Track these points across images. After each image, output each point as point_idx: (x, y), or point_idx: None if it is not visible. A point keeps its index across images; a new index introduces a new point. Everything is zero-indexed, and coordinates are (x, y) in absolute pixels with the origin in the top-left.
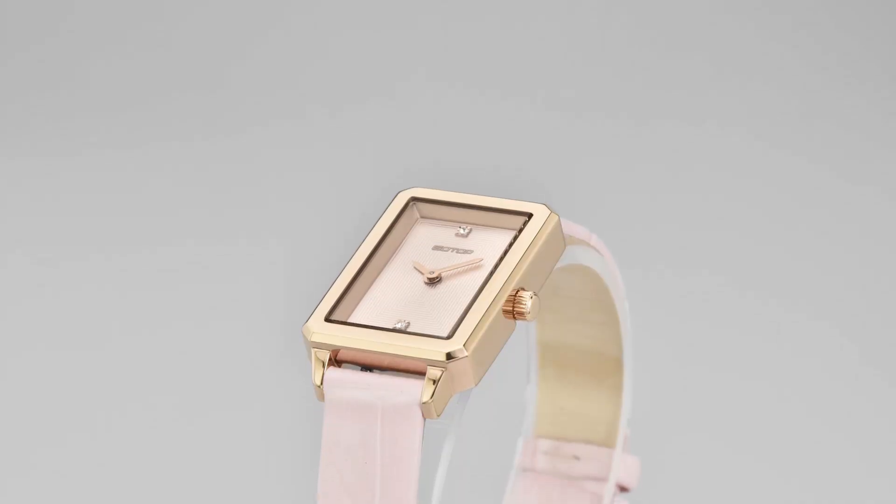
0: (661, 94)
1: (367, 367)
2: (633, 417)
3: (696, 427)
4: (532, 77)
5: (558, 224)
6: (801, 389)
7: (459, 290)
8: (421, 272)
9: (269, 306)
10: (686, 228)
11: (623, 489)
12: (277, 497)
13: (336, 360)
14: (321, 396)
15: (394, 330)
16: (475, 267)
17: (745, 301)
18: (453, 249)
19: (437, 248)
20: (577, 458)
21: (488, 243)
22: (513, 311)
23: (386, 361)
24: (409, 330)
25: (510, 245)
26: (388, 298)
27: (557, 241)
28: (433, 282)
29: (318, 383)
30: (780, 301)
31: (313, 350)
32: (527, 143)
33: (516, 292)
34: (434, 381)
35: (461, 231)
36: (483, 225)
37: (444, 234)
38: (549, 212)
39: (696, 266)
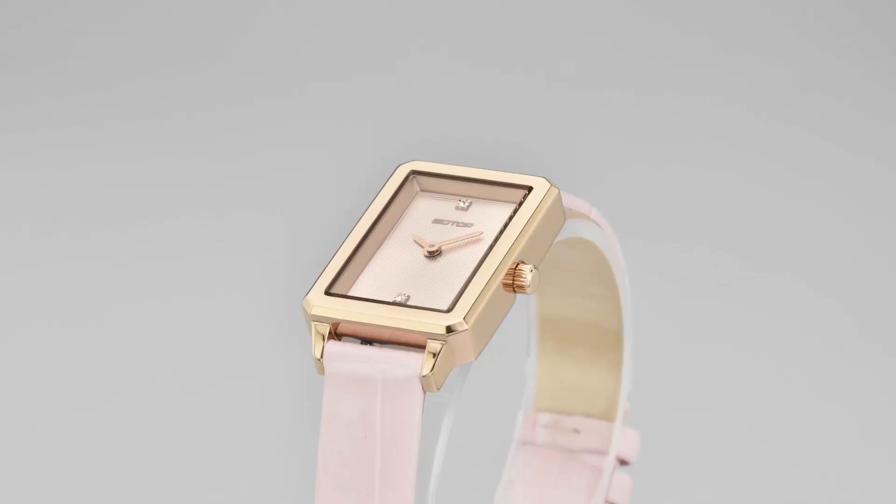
0: (661, 67)
1: (367, 341)
2: (634, 391)
3: (696, 401)
4: (532, 50)
5: (558, 197)
6: (802, 364)
7: (459, 263)
8: (421, 245)
9: (269, 279)
10: (687, 201)
11: (623, 462)
12: (278, 469)
13: (336, 334)
14: (321, 370)
15: (394, 303)
16: (475, 240)
17: (746, 274)
18: (453, 223)
19: (437, 221)
20: (577, 431)
21: (488, 216)
22: (513, 284)
23: (386, 335)
24: (409, 303)
25: (510, 218)
26: (388, 272)
27: (557, 214)
28: (433, 255)
29: (319, 356)
30: (781, 274)
31: (313, 323)
32: (527, 115)
33: (516, 265)
34: (434, 355)
35: (461, 204)
36: (483, 198)
37: (444, 207)
38: (549, 185)
39: (697, 239)
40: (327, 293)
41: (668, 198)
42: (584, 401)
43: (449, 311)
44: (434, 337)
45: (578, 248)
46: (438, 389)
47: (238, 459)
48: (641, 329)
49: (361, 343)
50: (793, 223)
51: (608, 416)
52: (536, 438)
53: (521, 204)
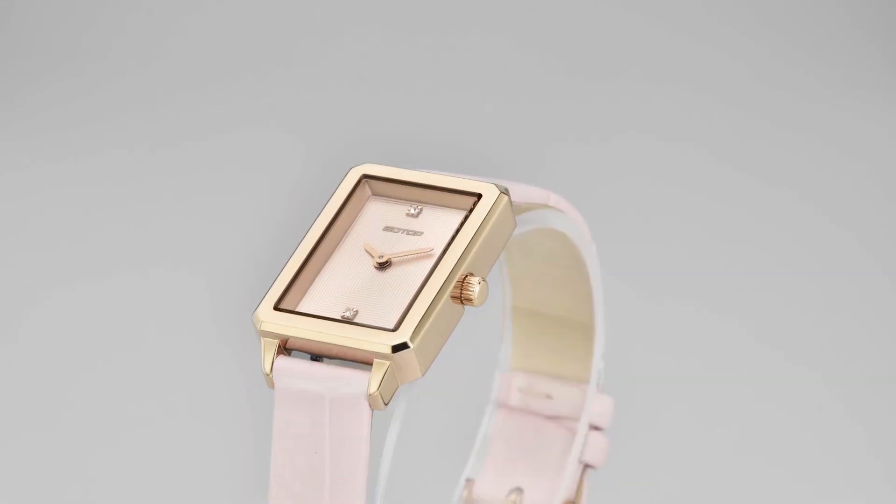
0: (628, 61)
1: (316, 356)
2: (607, 354)
3: (668, 366)
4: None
5: (507, 204)
6: (773, 323)
7: (408, 275)
8: (371, 255)
9: (226, 286)
10: (649, 174)
11: (597, 429)
12: (238, 473)
13: (286, 348)
14: (271, 384)
15: (342, 320)
16: (425, 255)
17: (712, 239)
18: (403, 231)
19: (387, 228)
20: (549, 397)
21: (438, 224)
22: (461, 296)
23: (334, 351)
24: (356, 320)
25: (459, 227)
26: (337, 284)
27: (507, 221)
28: (383, 266)
29: (268, 371)
30: (747, 238)
31: (262, 338)
32: (471, 103)
33: (464, 277)
34: (380, 373)
35: (412, 211)
36: (434, 204)
37: (394, 212)
38: (499, 192)
39: (660, 208)
40: (276, 308)
41: (629, 172)
42: (559, 362)
43: (395, 329)
44: (380, 356)
45: (544, 236)
46: (386, 406)
47: (197, 469)
48: (611, 297)
49: (311, 358)
50: (776, 220)
51: (582, 377)
52: (511, 401)
53: (470, 212)
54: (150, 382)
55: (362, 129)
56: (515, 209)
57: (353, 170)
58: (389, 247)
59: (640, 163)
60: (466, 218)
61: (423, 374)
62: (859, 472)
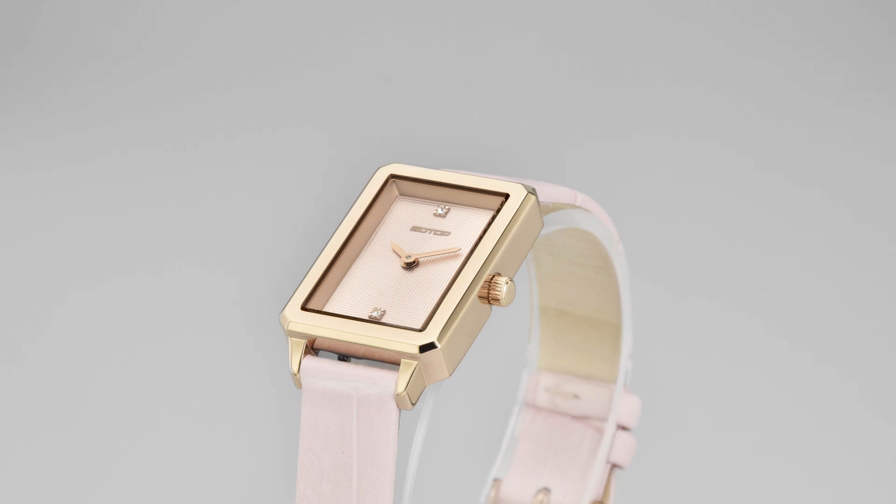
0: (651, 63)
1: (343, 356)
2: (634, 353)
3: (694, 366)
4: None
5: (535, 204)
6: (799, 324)
7: (435, 275)
8: (398, 255)
9: (255, 284)
10: (675, 174)
11: (624, 429)
12: (266, 473)
13: (313, 348)
14: (298, 384)
15: (369, 320)
16: (452, 255)
17: (738, 239)
18: (431, 231)
19: (415, 228)
20: (577, 397)
21: (466, 224)
22: (488, 296)
23: (361, 351)
24: (383, 320)
25: (487, 227)
26: (364, 285)
27: (535, 221)
28: (410, 266)
29: (296, 371)
30: (773, 238)
31: (290, 338)
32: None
33: (492, 277)
34: (408, 373)
35: (439, 211)
36: (461, 204)
37: (422, 212)
38: (526, 192)
39: (687, 208)
40: (304, 308)
41: (657, 171)
42: (587, 361)
43: (422, 329)
44: (408, 356)
45: (571, 235)
46: (413, 406)
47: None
48: (638, 298)
49: (338, 358)
50: (796, 219)
51: (609, 377)
52: (538, 401)
53: (497, 212)
54: (177, 382)
55: (389, 129)
56: (543, 209)
57: (380, 170)
58: (417, 247)
59: (666, 162)
60: (494, 218)
61: (450, 374)
62: (885, 474)
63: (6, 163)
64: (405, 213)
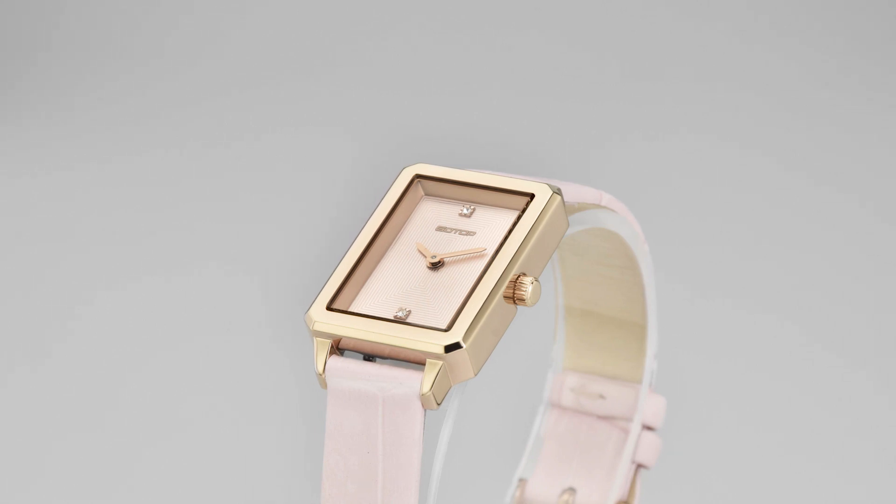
0: (676, 63)
1: (368, 356)
2: (660, 353)
3: (719, 366)
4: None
5: (560, 204)
6: (825, 324)
7: (461, 275)
8: (424, 255)
9: (280, 284)
10: (700, 174)
11: (649, 429)
12: (291, 473)
13: (338, 348)
14: (324, 384)
15: (394, 320)
16: (477, 255)
17: (763, 239)
18: (456, 231)
19: (440, 228)
20: (602, 397)
21: (491, 224)
22: (513, 296)
23: (386, 351)
24: (409, 320)
25: (512, 227)
26: (389, 284)
27: (560, 221)
28: (435, 266)
29: (321, 371)
30: (798, 238)
31: (315, 338)
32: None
33: (517, 277)
34: (433, 373)
35: (464, 211)
36: (486, 204)
37: (447, 212)
38: (552, 192)
39: (711, 208)
40: (329, 308)
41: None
42: (611, 362)
43: (448, 329)
44: (433, 356)
45: (597, 235)
46: (438, 406)
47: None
48: (664, 300)
49: (363, 358)
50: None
51: (634, 377)
52: (563, 401)
53: (523, 211)
54: (203, 383)
55: (415, 129)
56: (568, 209)
57: (405, 170)
58: (442, 247)
59: (691, 162)
60: (519, 218)
61: (475, 374)
62: None
63: (33, 163)
64: (430, 213)
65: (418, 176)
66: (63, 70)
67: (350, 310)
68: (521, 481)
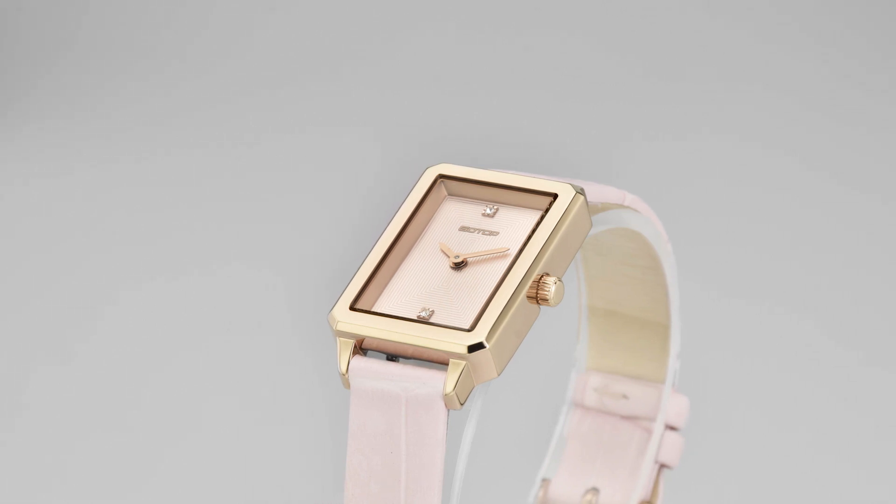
0: (702, 63)
1: (392, 356)
2: (683, 353)
3: (743, 366)
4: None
5: (583, 204)
6: (848, 324)
7: (484, 275)
8: (447, 255)
9: (304, 283)
10: (724, 174)
11: (672, 429)
12: (314, 473)
13: (361, 348)
14: (347, 384)
15: (417, 320)
16: (500, 255)
17: (786, 239)
18: (479, 231)
19: (463, 228)
20: (625, 397)
21: (514, 224)
22: (536, 296)
23: (409, 351)
24: (432, 320)
25: (535, 227)
26: (412, 284)
27: (583, 221)
28: (459, 266)
29: (344, 371)
30: (822, 238)
31: (338, 338)
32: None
33: (540, 277)
34: (456, 373)
35: (487, 211)
36: (510, 204)
37: (470, 212)
38: (575, 192)
39: (735, 208)
40: (352, 308)
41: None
42: (634, 362)
43: (471, 329)
44: (456, 356)
45: (620, 235)
46: (461, 406)
47: (272, 469)
48: (687, 301)
49: (386, 358)
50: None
51: (657, 377)
52: (586, 401)
53: (546, 212)
54: (225, 382)
55: (438, 129)
56: (591, 209)
57: (428, 170)
58: (465, 247)
59: (715, 162)
60: (542, 218)
61: (498, 374)
62: None
63: (57, 163)
64: (453, 213)
65: (441, 176)
66: (88, 71)
67: (373, 310)
68: (545, 481)
